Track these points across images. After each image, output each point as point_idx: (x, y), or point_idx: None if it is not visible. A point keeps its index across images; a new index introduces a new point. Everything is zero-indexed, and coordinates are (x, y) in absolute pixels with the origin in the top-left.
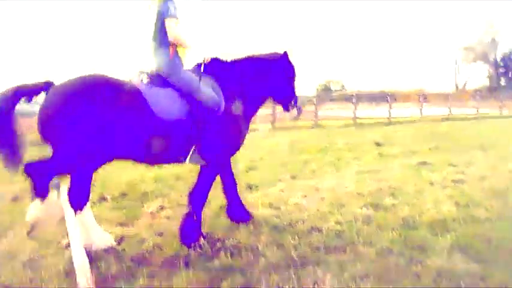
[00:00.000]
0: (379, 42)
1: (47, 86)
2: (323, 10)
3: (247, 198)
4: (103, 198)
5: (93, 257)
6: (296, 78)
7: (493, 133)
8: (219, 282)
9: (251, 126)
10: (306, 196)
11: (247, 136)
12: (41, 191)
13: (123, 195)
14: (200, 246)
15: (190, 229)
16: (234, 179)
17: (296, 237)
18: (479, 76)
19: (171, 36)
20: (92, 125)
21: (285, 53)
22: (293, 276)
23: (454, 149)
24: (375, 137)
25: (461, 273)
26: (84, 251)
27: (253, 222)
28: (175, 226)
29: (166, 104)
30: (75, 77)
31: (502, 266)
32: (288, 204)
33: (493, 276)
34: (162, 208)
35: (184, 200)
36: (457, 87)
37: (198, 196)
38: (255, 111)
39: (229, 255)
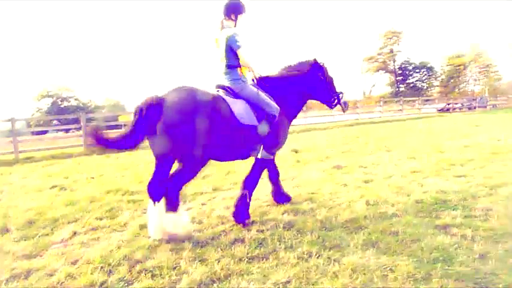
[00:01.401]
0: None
1: (161, 101)
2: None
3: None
4: (5, 230)
5: None
6: (331, 79)
7: (396, 135)
8: None
9: None
10: (228, 207)
11: None
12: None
13: (30, 223)
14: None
15: (243, 209)
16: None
17: (219, 250)
18: (382, 84)
19: (243, 63)
20: (207, 130)
21: (315, 60)
22: None
23: (363, 152)
24: (293, 144)
25: (373, 267)
26: None
27: (174, 240)
28: (91, 252)
29: (243, 112)
30: (182, 91)
31: (407, 256)
32: (211, 217)
33: (401, 266)
34: (75, 234)
35: (101, 223)
36: (364, 94)
37: (251, 181)
38: (297, 113)
39: (150, 277)
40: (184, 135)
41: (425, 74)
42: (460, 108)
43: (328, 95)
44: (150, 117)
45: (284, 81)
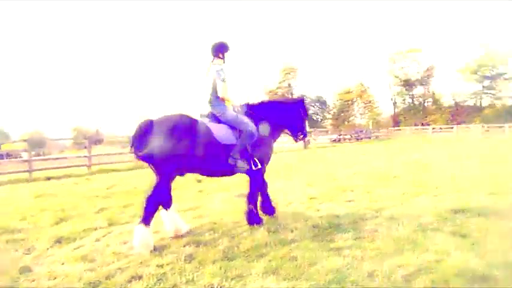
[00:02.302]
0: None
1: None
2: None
3: (56, 254)
4: None
5: None
6: (306, 119)
7: (295, 164)
8: None
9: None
10: (125, 243)
11: (56, 182)
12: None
13: None
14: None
15: (254, 217)
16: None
17: None
18: None
19: (220, 94)
20: (188, 149)
21: (302, 98)
22: None
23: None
24: (195, 174)
25: None
26: None
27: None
28: None
29: (223, 133)
30: (172, 115)
31: (305, 280)
32: (105, 255)
33: None
34: None
35: None
36: None
37: (253, 195)
38: (276, 137)
39: None
40: (163, 151)
41: (320, 108)
42: (349, 139)
43: (299, 130)
44: (143, 136)
45: (271, 106)
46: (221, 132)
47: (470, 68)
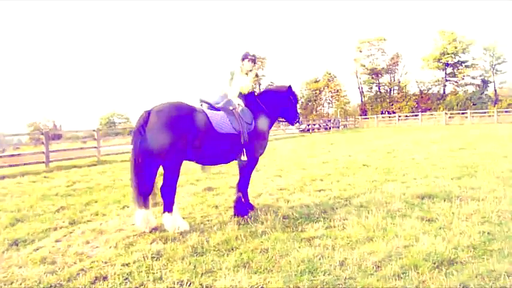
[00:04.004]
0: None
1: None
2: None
3: (13, 258)
4: None
5: None
6: (298, 103)
7: (263, 155)
8: None
9: None
10: (88, 242)
11: (11, 181)
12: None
13: None
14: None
15: (241, 207)
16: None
17: None
18: None
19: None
20: (186, 137)
21: (290, 86)
22: None
23: (233, 173)
24: (161, 169)
25: (246, 287)
26: None
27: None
28: None
29: (221, 122)
30: (170, 104)
31: (277, 272)
32: (67, 255)
33: (271, 283)
34: None
35: None
36: None
37: (243, 184)
38: (272, 125)
39: None
40: (161, 141)
41: None
42: (318, 129)
43: (294, 114)
44: (142, 126)
45: (264, 99)
46: (219, 121)
47: (434, 56)
